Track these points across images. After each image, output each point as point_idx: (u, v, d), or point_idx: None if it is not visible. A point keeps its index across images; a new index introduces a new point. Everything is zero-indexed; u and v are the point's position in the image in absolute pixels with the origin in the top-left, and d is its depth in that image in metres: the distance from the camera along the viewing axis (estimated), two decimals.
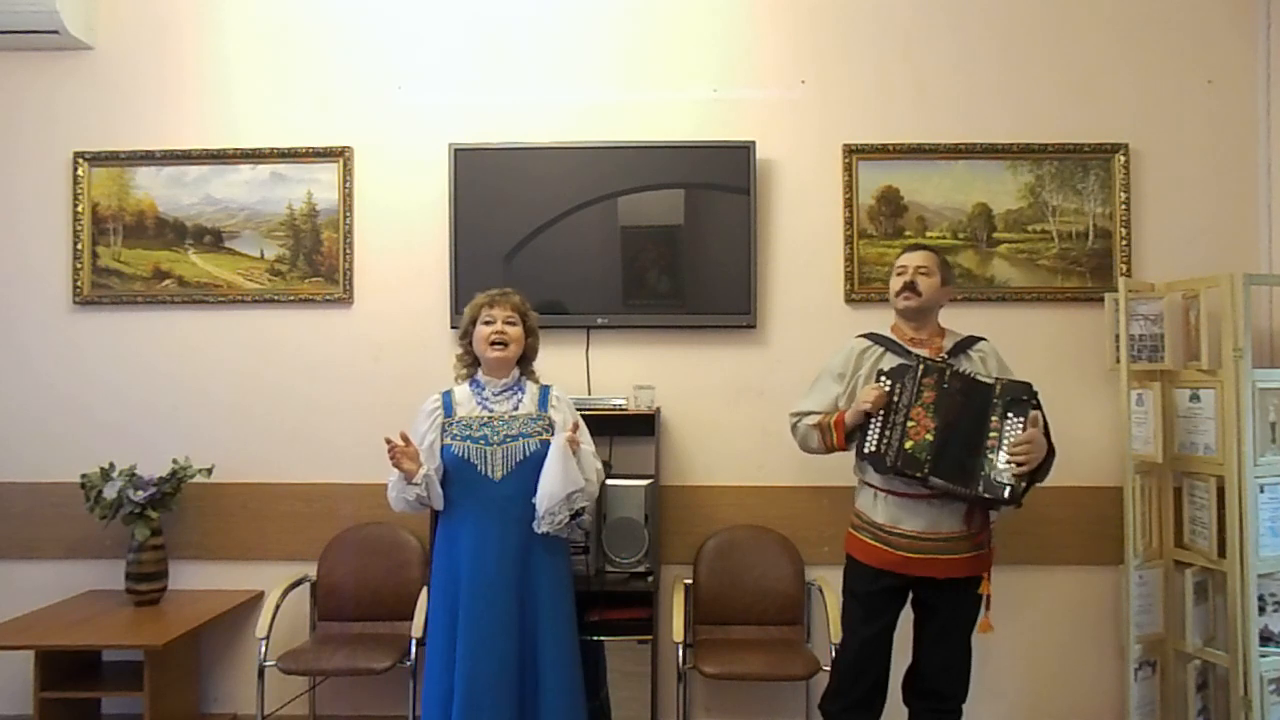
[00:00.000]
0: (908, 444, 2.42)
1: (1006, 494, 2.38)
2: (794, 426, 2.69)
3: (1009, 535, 3.18)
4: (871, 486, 2.57)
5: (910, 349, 2.58)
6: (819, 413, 2.63)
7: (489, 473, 2.53)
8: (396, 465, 2.48)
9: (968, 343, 2.63)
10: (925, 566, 2.48)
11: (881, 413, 2.47)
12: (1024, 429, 2.40)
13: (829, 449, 2.61)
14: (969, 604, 2.52)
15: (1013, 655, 3.26)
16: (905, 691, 2.67)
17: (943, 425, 2.41)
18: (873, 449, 2.46)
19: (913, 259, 2.62)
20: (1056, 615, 3.28)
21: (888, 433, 2.45)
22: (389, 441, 2.46)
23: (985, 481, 2.38)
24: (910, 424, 2.43)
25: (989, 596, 2.51)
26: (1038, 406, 2.44)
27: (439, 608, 2.55)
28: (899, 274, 2.63)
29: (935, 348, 2.59)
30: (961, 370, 2.49)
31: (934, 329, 2.65)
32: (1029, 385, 2.45)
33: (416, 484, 2.48)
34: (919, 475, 2.40)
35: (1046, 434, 2.46)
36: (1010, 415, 2.40)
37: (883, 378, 2.50)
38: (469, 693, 2.43)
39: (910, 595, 2.60)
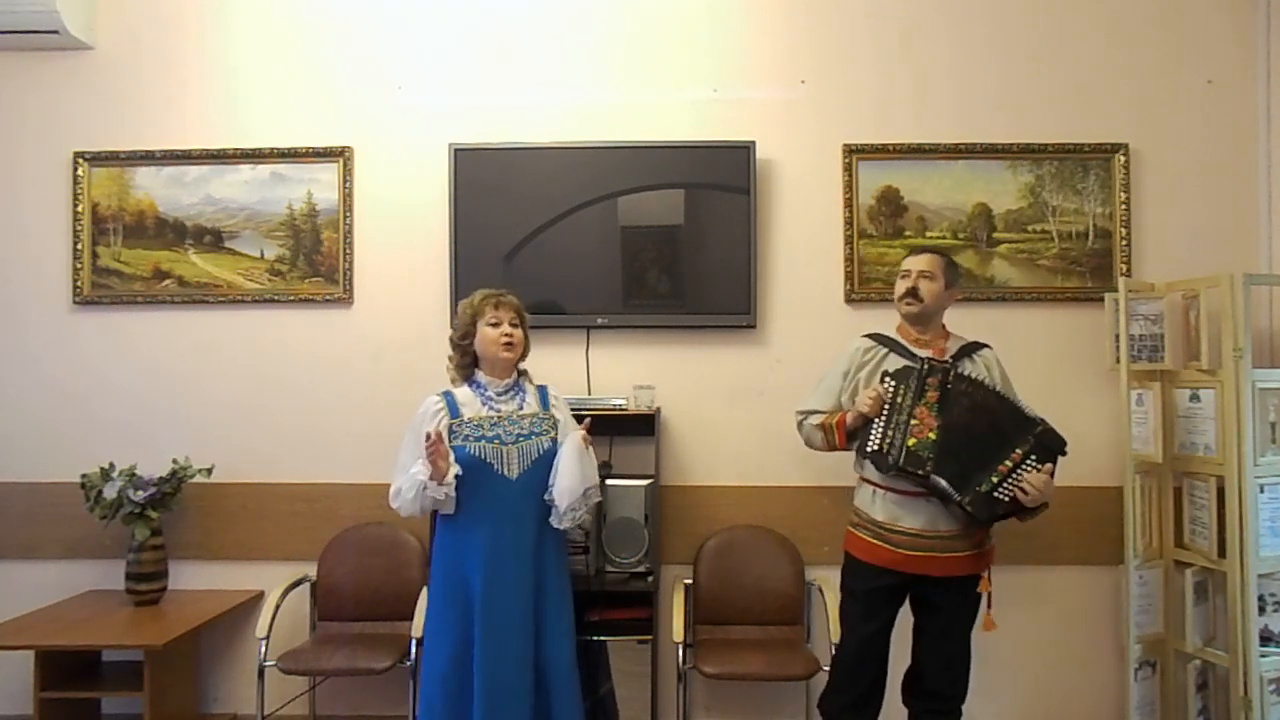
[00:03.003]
0: (910, 442, 2.45)
1: (985, 515, 2.42)
2: (799, 424, 2.73)
3: (1009, 535, 3.16)
4: (870, 484, 2.58)
5: (914, 350, 2.60)
6: (823, 412, 2.67)
7: (505, 471, 2.51)
8: (433, 464, 2.38)
9: (971, 348, 2.63)
10: (924, 564, 2.49)
11: (885, 413, 2.48)
12: (1040, 472, 2.43)
13: (831, 448, 2.65)
14: (969, 603, 2.54)
15: (1012, 655, 3.26)
16: (905, 692, 2.68)
17: (945, 425, 2.44)
18: (875, 448, 2.48)
19: (916, 263, 2.62)
20: (1056, 615, 3.27)
21: (891, 432, 2.47)
22: (429, 437, 2.35)
23: (975, 495, 2.42)
24: (914, 423, 2.46)
25: (990, 595, 2.52)
26: (1056, 460, 2.47)
27: (446, 610, 2.52)
28: (903, 278, 2.64)
29: (939, 350, 2.60)
30: (967, 374, 2.51)
31: (938, 332, 2.66)
32: (1065, 442, 2.48)
33: (448, 484, 2.42)
34: (921, 473, 2.43)
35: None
36: (1034, 457, 2.44)
37: (887, 379, 2.52)
38: (489, 694, 2.41)
39: (910, 595, 2.61)
